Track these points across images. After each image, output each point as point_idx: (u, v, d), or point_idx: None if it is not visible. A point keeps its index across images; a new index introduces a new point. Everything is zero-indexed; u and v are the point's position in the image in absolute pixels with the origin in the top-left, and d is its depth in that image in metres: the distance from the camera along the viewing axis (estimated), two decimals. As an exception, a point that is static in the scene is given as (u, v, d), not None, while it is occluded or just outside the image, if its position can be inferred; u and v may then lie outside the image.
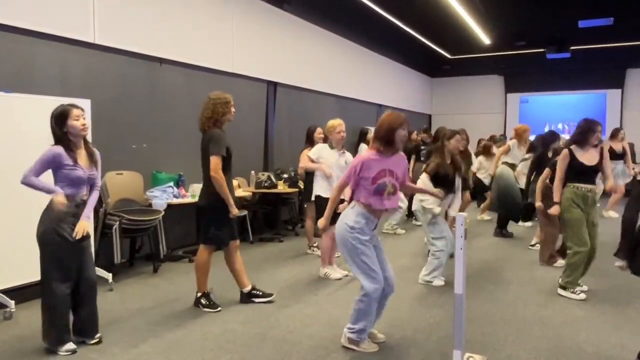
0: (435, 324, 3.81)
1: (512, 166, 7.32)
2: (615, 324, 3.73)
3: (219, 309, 4.08)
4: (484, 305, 4.25)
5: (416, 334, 3.59)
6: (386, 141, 3.26)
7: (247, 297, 4.26)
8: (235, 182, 7.03)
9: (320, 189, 5.29)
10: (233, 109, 4.03)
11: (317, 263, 5.34)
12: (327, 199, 4.59)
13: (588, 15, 10.31)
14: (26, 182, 3.09)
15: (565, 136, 8.39)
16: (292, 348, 3.35)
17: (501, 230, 7.28)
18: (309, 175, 5.77)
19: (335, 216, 4.99)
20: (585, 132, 4.40)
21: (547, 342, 3.45)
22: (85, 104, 4.55)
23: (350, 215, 3.30)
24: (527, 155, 7.10)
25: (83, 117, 3.20)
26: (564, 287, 4.47)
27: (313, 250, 6.12)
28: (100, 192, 5.02)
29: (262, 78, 7.64)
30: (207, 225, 4.08)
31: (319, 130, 6.16)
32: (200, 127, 4.00)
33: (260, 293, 4.31)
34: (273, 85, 7.97)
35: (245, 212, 6.46)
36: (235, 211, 3.97)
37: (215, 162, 3.85)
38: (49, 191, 3.11)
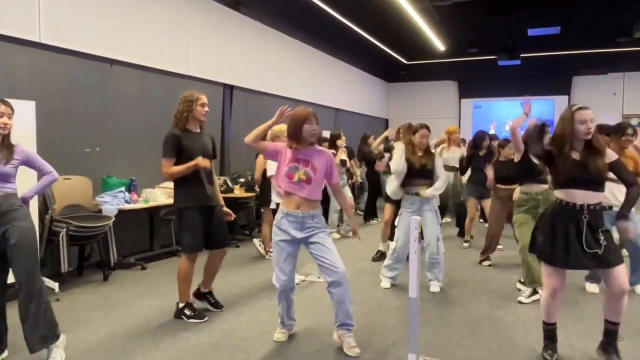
0: (391, 327, 3.82)
1: (453, 168, 7.49)
2: (564, 323, 3.82)
3: (205, 319, 3.94)
4: (439, 307, 4.30)
5: (372, 338, 3.59)
6: (294, 137, 3.36)
7: (199, 295, 4.21)
8: (219, 181, 6.86)
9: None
10: (201, 108, 3.90)
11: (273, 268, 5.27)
12: None
13: (537, 24, 10.70)
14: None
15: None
16: (247, 356, 3.29)
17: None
18: (266, 180, 5.71)
19: None
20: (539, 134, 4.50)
21: (499, 343, 3.52)
22: (30, 105, 4.37)
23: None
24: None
25: (8, 115, 3.03)
26: (523, 283, 4.66)
27: (270, 256, 6.05)
28: (46, 197, 4.84)
29: (218, 81, 7.54)
30: (178, 231, 4.01)
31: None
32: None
33: (213, 301, 4.23)
34: (229, 88, 7.87)
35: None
36: (197, 161, 3.77)
37: (162, 164, 3.82)
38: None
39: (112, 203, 5.34)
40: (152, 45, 6.30)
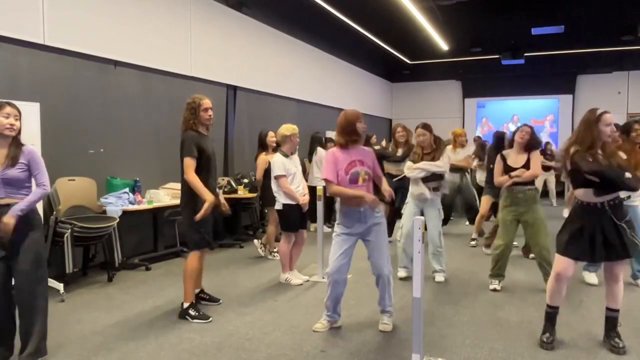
0: (395, 327, 3.81)
1: (459, 169, 7.50)
2: (569, 324, 3.82)
3: (209, 319, 3.94)
4: (443, 307, 4.29)
5: (376, 338, 3.59)
6: (349, 134, 3.62)
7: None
8: (223, 181, 6.89)
9: (286, 197, 4.95)
10: (205, 113, 3.97)
11: (277, 268, 5.28)
12: (296, 206, 4.85)
13: (540, 23, 10.67)
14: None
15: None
16: (250, 356, 3.29)
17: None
18: (266, 181, 5.69)
19: (303, 219, 4.99)
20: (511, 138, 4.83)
21: (503, 343, 3.51)
22: (34, 107, 4.40)
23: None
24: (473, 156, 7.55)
25: (15, 117, 3.02)
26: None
27: (274, 256, 6.05)
28: (51, 198, 4.86)
29: (221, 82, 7.55)
30: (187, 229, 4.02)
31: (271, 134, 6.09)
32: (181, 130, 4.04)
33: (208, 297, 4.34)
34: (232, 89, 7.88)
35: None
36: (202, 212, 3.83)
37: (186, 163, 3.86)
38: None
39: (117, 204, 5.34)
40: (155, 47, 6.31)
